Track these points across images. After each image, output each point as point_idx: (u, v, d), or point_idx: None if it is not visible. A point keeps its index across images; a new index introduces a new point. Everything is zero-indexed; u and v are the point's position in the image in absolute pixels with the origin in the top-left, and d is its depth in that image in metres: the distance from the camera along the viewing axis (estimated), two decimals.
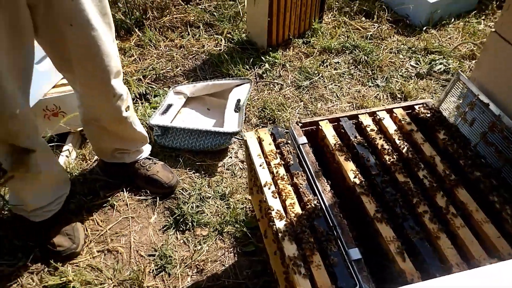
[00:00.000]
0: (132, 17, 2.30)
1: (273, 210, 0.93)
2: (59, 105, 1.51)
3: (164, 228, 1.42)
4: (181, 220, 1.42)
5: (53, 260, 1.26)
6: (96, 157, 1.61)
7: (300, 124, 1.14)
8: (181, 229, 1.41)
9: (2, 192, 1.35)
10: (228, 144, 1.65)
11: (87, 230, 1.38)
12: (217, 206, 1.48)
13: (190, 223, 1.41)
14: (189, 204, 1.46)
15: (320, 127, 1.13)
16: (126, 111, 1.28)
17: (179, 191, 1.52)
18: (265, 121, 1.81)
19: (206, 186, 1.54)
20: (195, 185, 1.54)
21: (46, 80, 1.47)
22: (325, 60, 2.12)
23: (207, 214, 1.45)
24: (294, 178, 0.99)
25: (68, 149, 1.58)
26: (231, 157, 1.66)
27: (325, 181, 0.99)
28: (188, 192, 1.51)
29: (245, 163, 1.64)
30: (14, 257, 1.28)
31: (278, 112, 1.82)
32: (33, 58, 1.00)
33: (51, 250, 1.26)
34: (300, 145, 1.08)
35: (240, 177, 1.58)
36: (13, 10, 0.85)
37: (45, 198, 1.25)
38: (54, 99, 1.49)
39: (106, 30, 1.06)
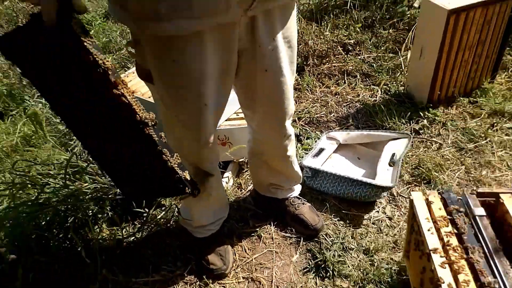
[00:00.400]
0: None
1: (443, 282, 0.86)
2: (228, 136, 1.69)
3: (305, 270, 1.43)
4: (322, 266, 1.42)
5: (205, 276, 1.38)
6: (250, 187, 1.74)
7: (475, 193, 1.05)
8: (321, 275, 1.40)
9: (175, 205, 1.56)
10: (378, 198, 1.60)
11: (235, 255, 1.48)
12: (359, 260, 1.43)
13: (331, 271, 1.40)
14: (331, 252, 1.45)
15: (501, 200, 1.02)
16: (291, 150, 1.37)
17: (323, 236, 1.52)
18: (419, 180, 1.72)
19: (350, 237, 1.52)
20: (339, 233, 1.53)
21: (225, 113, 1.67)
22: (495, 124, 1.92)
23: (349, 266, 1.41)
24: (469, 252, 0.91)
25: (228, 176, 1.74)
26: (378, 211, 1.61)
27: (507, 263, 0.88)
28: (331, 238, 1.51)
29: (392, 221, 1.57)
30: (174, 265, 1.45)
31: (435, 173, 1.71)
32: (229, 95, 1.15)
33: (205, 266, 1.39)
34: (477, 217, 0.98)
35: (386, 235, 1.52)
36: (228, 55, 0.99)
37: (209, 218, 1.40)
38: (226, 131, 1.68)
39: (291, 76, 1.16)
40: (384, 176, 1.64)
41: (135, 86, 1.79)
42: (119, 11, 0.89)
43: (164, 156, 0.78)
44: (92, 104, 0.74)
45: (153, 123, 0.75)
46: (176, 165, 0.81)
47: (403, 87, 2.23)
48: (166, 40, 0.89)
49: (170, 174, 0.81)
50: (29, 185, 1.35)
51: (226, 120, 1.73)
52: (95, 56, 0.66)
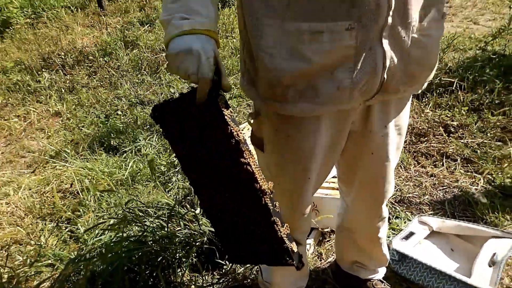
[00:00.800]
0: None
1: None
2: (317, 203, 1.71)
3: None
4: None
5: None
6: (330, 259, 1.71)
7: None
8: None
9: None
10: None
11: None
12: None
13: None
14: None
15: None
16: (382, 232, 1.34)
17: None
18: None
19: None
20: None
21: None
22: None
23: None
24: None
25: (309, 243, 1.74)
26: None
27: None
28: None
29: None
30: None
31: None
32: (330, 171, 1.18)
33: None
34: None
35: None
36: (339, 135, 1.04)
37: (289, 285, 1.40)
38: (315, 198, 1.70)
39: (395, 160, 1.17)
40: (481, 276, 1.50)
41: None
42: (249, 88, 1.01)
43: (276, 225, 0.83)
44: (221, 168, 0.83)
45: (270, 192, 0.82)
46: (286, 235, 0.85)
47: (510, 180, 2.06)
48: (286, 117, 0.97)
49: (279, 243, 0.85)
50: (133, 222, 1.50)
51: None
52: (232, 128, 0.76)
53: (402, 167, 2.29)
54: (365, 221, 1.30)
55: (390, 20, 0.82)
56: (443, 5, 0.94)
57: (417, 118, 2.56)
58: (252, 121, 1.08)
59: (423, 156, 2.36)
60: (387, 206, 1.97)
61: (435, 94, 2.86)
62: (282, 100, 0.92)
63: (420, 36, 0.88)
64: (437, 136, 2.47)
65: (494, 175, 2.13)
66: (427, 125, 2.51)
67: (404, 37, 0.86)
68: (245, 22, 0.93)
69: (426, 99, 2.83)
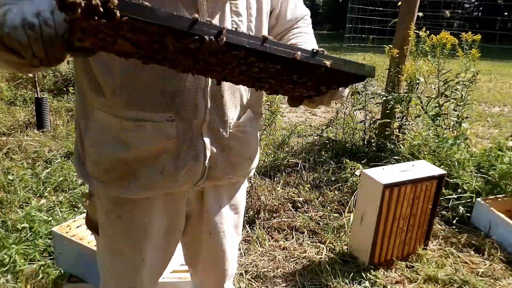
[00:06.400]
0: (246, 215, 2.60)
1: None
2: None
3: None
4: None
5: None
6: None
7: None
8: None
9: None
10: None
11: None
12: None
13: None
14: None
15: None
16: None
17: None
18: None
19: None
20: None
21: (170, 265, 1.66)
22: None
23: None
24: None
25: None
26: None
27: None
28: None
29: None
30: None
31: None
32: (173, 254, 1.17)
33: None
34: None
35: None
36: (175, 217, 1.06)
37: None
38: (170, 283, 1.64)
39: (235, 239, 1.23)
40: None
41: (83, 233, 1.79)
42: (79, 166, 0.99)
43: None
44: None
45: None
46: None
47: (346, 247, 2.35)
48: (116, 198, 0.97)
49: None
50: None
51: (171, 272, 1.71)
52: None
53: (258, 242, 2.41)
54: None
55: (208, 117, 0.93)
56: (260, 107, 1.12)
57: (269, 196, 2.79)
58: (86, 202, 1.04)
59: (276, 231, 2.54)
60: (241, 280, 2.02)
61: (284, 174, 3.19)
62: (106, 181, 0.93)
63: (237, 132, 1.01)
64: (286, 211, 2.71)
65: (334, 244, 2.40)
66: (278, 202, 2.75)
67: (222, 132, 0.97)
68: (77, 100, 0.96)
69: (277, 179, 3.13)
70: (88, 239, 1.75)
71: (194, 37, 0.56)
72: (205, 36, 0.56)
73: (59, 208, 2.63)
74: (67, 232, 1.83)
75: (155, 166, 0.92)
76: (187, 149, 0.93)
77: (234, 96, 0.97)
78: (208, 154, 0.96)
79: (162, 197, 1.00)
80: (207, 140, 0.95)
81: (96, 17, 0.50)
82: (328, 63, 0.64)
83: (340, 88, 0.94)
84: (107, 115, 0.90)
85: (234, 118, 0.99)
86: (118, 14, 0.50)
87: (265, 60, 0.63)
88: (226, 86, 0.94)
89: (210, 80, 0.90)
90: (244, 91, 1.00)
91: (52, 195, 2.83)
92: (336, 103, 3.94)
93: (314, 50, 0.64)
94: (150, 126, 0.89)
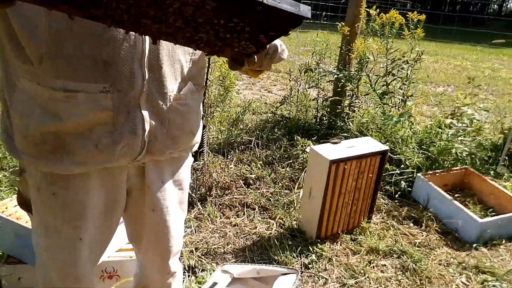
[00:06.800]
0: (198, 192, 2.59)
1: None
2: (117, 268, 1.62)
3: None
4: None
5: None
6: None
7: None
8: None
9: None
10: None
11: None
12: None
13: None
14: None
15: None
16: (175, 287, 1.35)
17: None
18: None
19: None
20: None
21: (114, 244, 1.63)
22: (372, 261, 2.14)
23: None
24: None
25: None
26: None
27: None
28: None
29: None
30: None
31: None
32: (115, 232, 1.15)
33: None
34: None
35: None
36: (115, 193, 1.02)
37: None
38: (114, 262, 1.62)
39: (179, 215, 1.22)
40: None
41: (20, 212, 1.70)
42: (8, 140, 0.93)
43: None
44: None
45: None
46: None
47: (295, 222, 2.42)
48: (49, 174, 0.91)
49: None
50: None
51: (117, 251, 1.68)
52: None
53: (209, 220, 2.42)
54: (156, 277, 1.29)
55: (146, 88, 0.89)
56: (203, 80, 1.09)
57: (222, 173, 2.79)
58: (17, 179, 0.98)
59: (227, 208, 2.56)
60: (190, 258, 2.03)
61: (237, 151, 3.19)
62: (37, 155, 0.88)
63: (178, 105, 0.98)
64: (238, 188, 2.73)
65: (284, 220, 2.47)
66: (230, 179, 2.76)
67: (162, 105, 0.94)
68: (1, 67, 0.88)
69: (231, 156, 3.13)
70: (25, 218, 1.67)
71: None
72: None
73: None
74: (2, 212, 1.74)
75: (89, 140, 0.88)
76: (123, 122, 0.89)
77: (174, 68, 0.94)
78: (147, 127, 0.92)
79: (99, 172, 0.96)
80: (145, 113, 0.91)
81: None
82: None
83: (279, 50, 0.94)
84: (33, 84, 0.84)
85: (174, 90, 0.96)
86: None
87: None
88: (165, 56, 0.91)
89: (147, 49, 0.86)
90: (185, 62, 0.97)
91: None
92: (290, 81, 3.96)
93: None
94: (82, 97, 0.84)
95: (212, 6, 0.63)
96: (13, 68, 0.86)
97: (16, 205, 1.75)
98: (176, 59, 0.94)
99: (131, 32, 0.80)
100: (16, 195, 1.85)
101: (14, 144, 0.91)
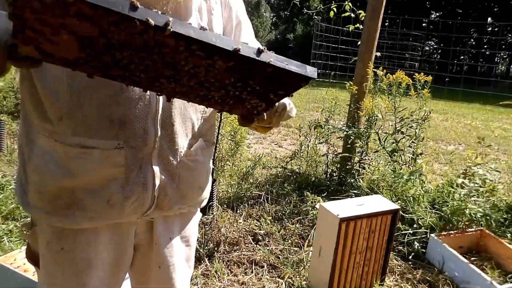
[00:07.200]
0: (205, 247, 2.55)
1: None
2: None
3: None
4: None
5: None
6: None
7: None
8: None
9: None
10: None
11: None
12: None
13: None
14: None
15: None
16: None
17: None
18: None
19: None
20: None
21: None
22: None
23: None
24: None
25: None
26: None
27: None
28: None
29: None
30: None
31: None
32: (121, 286, 1.13)
33: None
34: None
35: None
36: (122, 248, 1.02)
37: None
38: None
39: (186, 272, 1.20)
40: None
41: (28, 265, 1.69)
42: (21, 194, 0.95)
43: None
44: None
45: None
46: None
47: (305, 282, 2.34)
48: (59, 229, 0.93)
49: None
50: None
51: None
52: None
53: (216, 277, 2.35)
54: None
55: (158, 145, 0.93)
56: (213, 136, 1.12)
57: (230, 228, 2.76)
58: (28, 232, 0.99)
59: (235, 265, 2.49)
60: None
61: (247, 205, 3.17)
62: (50, 211, 0.90)
63: (188, 161, 1.01)
64: (247, 244, 2.67)
65: (293, 279, 2.39)
66: (238, 234, 2.72)
67: (172, 161, 0.97)
68: (21, 125, 0.93)
69: (240, 210, 3.11)
70: (32, 271, 1.65)
71: (141, 23, 0.55)
72: (150, 20, 0.55)
73: (7, 238, 2.48)
74: (11, 264, 1.72)
75: (101, 195, 0.89)
76: (135, 177, 0.91)
77: (185, 125, 0.98)
78: (158, 182, 0.94)
79: (108, 227, 0.97)
80: (156, 169, 0.93)
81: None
82: (272, 59, 0.65)
83: (288, 108, 0.97)
84: (51, 141, 0.87)
85: (185, 146, 0.99)
86: None
87: (213, 55, 0.63)
88: (177, 114, 0.95)
89: (160, 107, 0.90)
90: (196, 120, 1.01)
91: (2, 223, 2.67)
92: (300, 136, 4.02)
93: (260, 49, 0.64)
94: (97, 153, 0.87)
95: (223, 67, 0.67)
96: (33, 126, 0.90)
97: (24, 257, 1.74)
98: (187, 117, 0.98)
99: (147, 91, 0.84)
100: (25, 248, 1.85)
101: (28, 199, 0.94)
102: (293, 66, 0.69)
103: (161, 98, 0.90)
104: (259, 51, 0.65)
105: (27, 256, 1.05)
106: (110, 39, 0.58)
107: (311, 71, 0.71)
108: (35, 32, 0.56)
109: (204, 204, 1.15)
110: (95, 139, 0.87)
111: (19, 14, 0.53)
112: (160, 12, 0.57)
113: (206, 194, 1.13)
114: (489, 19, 32.34)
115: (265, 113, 0.90)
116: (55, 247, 0.95)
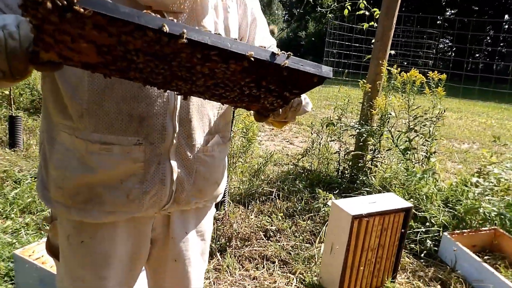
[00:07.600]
0: (217, 242, 2.57)
1: None
2: None
3: None
4: None
5: None
6: None
7: None
8: None
9: None
10: None
11: None
12: None
13: None
14: None
15: None
16: None
17: None
18: None
19: None
20: None
21: None
22: None
23: None
24: None
25: None
26: None
27: None
28: None
29: None
30: None
31: None
32: (136, 281, 1.15)
33: None
34: None
35: None
36: (140, 242, 1.05)
37: None
38: None
39: (201, 266, 1.22)
40: None
41: (46, 257, 1.74)
42: (42, 190, 0.98)
43: None
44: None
45: None
46: None
47: (316, 278, 2.35)
48: (78, 223, 0.96)
49: None
50: None
51: None
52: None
53: (228, 272, 2.38)
54: None
55: (175, 141, 0.95)
56: (229, 133, 1.14)
57: (242, 223, 2.78)
58: (48, 226, 1.02)
59: (247, 260, 2.52)
60: None
61: (258, 202, 3.19)
62: (70, 205, 0.93)
63: (205, 156, 1.03)
64: (258, 240, 2.70)
65: (304, 275, 2.40)
66: (250, 230, 2.74)
67: (190, 156, 0.99)
68: (43, 123, 0.96)
69: (251, 206, 3.13)
70: (51, 263, 1.70)
71: (157, 32, 0.57)
72: (165, 28, 0.57)
73: (24, 231, 2.55)
74: (29, 256, 1.77)
75: (120, 191, 0.92)
76: (154, 173, 0.94)
77: (202, 121, 1.00)
78: (175, 177, 0.97)
79: (126, 222, 1.00)
80: (174, 164, 0.96)
81: (59, 12, 0.52)
82: (287, 62, 0.67)
83: (303, 103, 0.98)
84: (72, 138, 0.90)
85: (201, 142, 1.01)
86: (79, 7, 0.52)
87: (228, 59, 0.65)
88: (194, 110, 0.97)
89: (178, 104, 0.93)
90: (212, 116, 1.03)
91: (19, 217, 2.74)
92: (312, 133, 4.02)
93: (275, 52, 0.66)
94: (117, 149, 0.89)
95: (238, 70, 0.68)
96: (54, 123, 0.93)
97: (42, 250, 1.79)
98: (204, 113, 1.00)
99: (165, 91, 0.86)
100: (43, 240, 1.90)
101: (48, 194, 0.97)
102: (308, 66, 0.70)
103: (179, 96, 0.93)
104: (274, 54, 0.66)
105: (47, 249, 1.09)
106: (127, 47, 0.60)
107: (326, 70, 0.72)
108: (55, 41, 0.59)
109: (219, 199, 1.17)
110: (115, 136, 0.89)
111: (39, 25, 0.55)
112: (175, 20, 0.59)
113: (221, 189, 1.15)
114: (506, 16, 31.69)
115: (280, 109, 0.92)
116: (75, 241, 0.98)
